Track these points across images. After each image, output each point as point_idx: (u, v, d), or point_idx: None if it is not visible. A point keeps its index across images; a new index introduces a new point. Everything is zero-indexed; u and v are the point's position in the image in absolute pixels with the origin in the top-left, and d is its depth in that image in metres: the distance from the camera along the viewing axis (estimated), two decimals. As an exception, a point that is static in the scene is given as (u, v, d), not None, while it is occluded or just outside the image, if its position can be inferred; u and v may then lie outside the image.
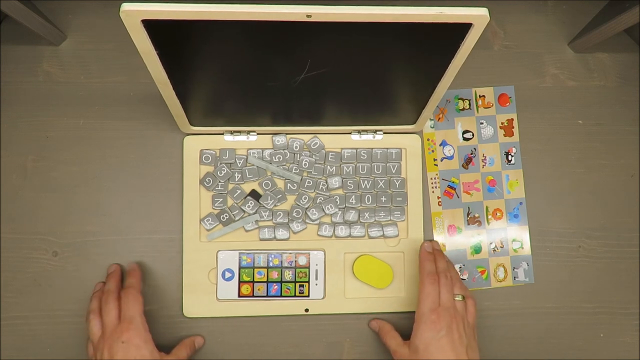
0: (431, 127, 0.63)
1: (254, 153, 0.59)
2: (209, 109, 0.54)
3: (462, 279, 0.61)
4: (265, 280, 0.58)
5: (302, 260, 0.59)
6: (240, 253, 0.58)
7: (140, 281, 0.55)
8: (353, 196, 0.60)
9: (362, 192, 0.60)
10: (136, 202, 0.59)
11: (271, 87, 0.48)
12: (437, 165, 0.62)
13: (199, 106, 0.53)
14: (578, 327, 0.61)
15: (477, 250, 0.61)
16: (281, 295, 0.58)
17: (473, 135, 0.63)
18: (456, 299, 0.53)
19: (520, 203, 0.62)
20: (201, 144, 0.59)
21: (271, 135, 0.60)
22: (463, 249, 0.61)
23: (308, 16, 0.36)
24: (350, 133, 0.60)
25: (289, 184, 0.59)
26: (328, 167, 0.60)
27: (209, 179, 0.59)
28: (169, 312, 0.58)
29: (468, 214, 0.62)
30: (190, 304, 0.58)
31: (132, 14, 0.36)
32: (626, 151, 0.64)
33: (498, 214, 0.62)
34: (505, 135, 0.63)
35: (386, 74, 0.47)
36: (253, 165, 0.59)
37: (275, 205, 0.59)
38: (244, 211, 0.59)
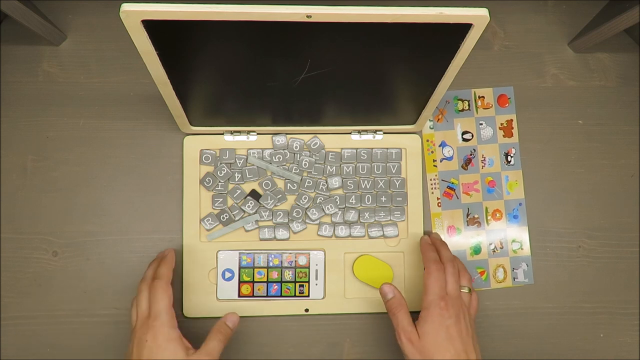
0: (430, 128, 0.63)
1: (254, 153, 0.59)
2: (209, 108, 0.55)
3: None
4: (265, 280, 0.58)
5: (302, 260, 0.59)
6: (240, 253, 0.58)
7: (170, 271, 0.53)
8: (353, 196, 0.60)
9: (362, 192, 0.60)
10: (136, 202, 0.59)
11: (271, 87, 0.48)
12: (436, 166, 0.62)
13: (199, 106, 0.53)
14: (578, 327, 0.61)
15: (477, 251, 0.61)
16: (281, 295, 0.58)
17: (472, 136, 0.63)
18: (462, 290, 0.52)
19: (520, 204, 0.62)
20: (201, 144, 0.59)
21: (271, 135, 0.60)
22: (462, 250, 0.61)
23: (308, 16, 0.36)
24: (350, 133, 0.60)
25: (289, 184, 0.59)
26: (328, 167, 0.60)
27: (209, 179, 0.59)
28: (169, 312, 0.58)
29: (467, 215, 0.62)
30: (190, 304, 0.58)
31: (132, 14, 0.36)
32: (626, 151, 0.64)
33: (497, 215, 0.62)
34: (504, 136, 0.63)
35: (386, 74, 0.47)
36: (253, 165, 0.59)
37: (275, 205, 0.59)
38: (244, 211, 0.59)
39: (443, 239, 0.60)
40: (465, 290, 0.53)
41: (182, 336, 0.49)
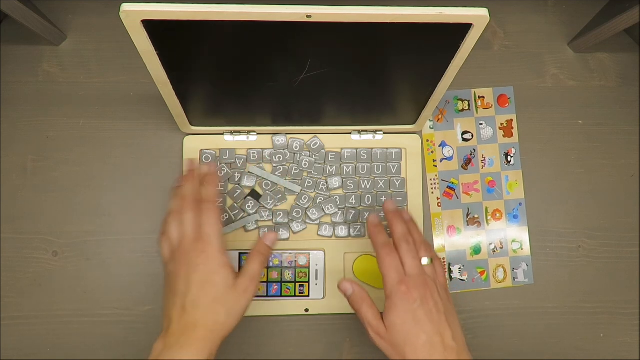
0: (430, 128, 0.63)
1: (254, 154, 0.59)
2: (209, 108, 0.55)
3: (461, 280, 0.61)
4: (265, 280, 0.58)
5: (302, 260, 0.59)
6: (240, 253, 0.58)
7: (217, 191, 0.50)
8: (353, 196, 0.60)
9: (362, 192, 0.60)
10: (136, 202, 0.59)
11: (271, 87, 0.48)
12: (436, 166, 0.62)
13: (199, 106, 0.53)
14: (578, 327, 0.61)
15: (477, 251, 0.61)
16: (281, 295, 0.58)
17: (472, 136, 0.63)
18: (423, 262, 0.48)
19: (520, 204, 0.62)
20: (201, 144, 0.59)
21: (271, 135, 0.60)
22: (462, 250, 0.61)
23: (308, 16, 0.36)
24: (350, 133, 0.60)
25: (288, 184, 0.59)
26: (328, 167, 0.60)
27: (209, 179, 0.59)
28: (169, 312, 0.58)
29: (467, 215, 0.62)
30: (190, 304, 0.58)
31: (132, 14, 0.36)
32: (626, 151, 0.64)
33: (497, 215, 0.62)
34: (504, 136, 0.63)
35: (386, 74, 0.47)
36: (253, 165, 0.59)
37: (275, 205, 0.59)
38: (244, 211, 0.59)
39: (395, 206, 0.52)
40: (426, 261, 0.48)
41: (230, 261, 0.47)
